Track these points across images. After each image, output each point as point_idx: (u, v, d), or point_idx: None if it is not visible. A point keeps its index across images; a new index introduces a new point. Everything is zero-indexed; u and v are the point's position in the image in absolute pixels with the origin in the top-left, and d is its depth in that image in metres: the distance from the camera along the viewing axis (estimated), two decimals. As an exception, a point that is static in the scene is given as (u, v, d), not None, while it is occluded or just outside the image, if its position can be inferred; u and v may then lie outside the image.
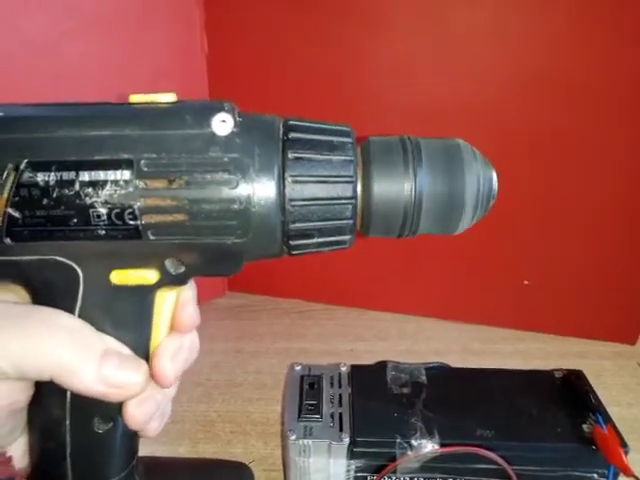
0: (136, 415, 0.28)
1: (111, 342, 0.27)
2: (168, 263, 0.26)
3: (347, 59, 0.57)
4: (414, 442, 0.36)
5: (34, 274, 0.26)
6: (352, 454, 0.37)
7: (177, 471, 0.39)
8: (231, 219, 0.24)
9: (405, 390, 0.40)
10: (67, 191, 0.24)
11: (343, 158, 0.25)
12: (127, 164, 0.24)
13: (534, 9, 0.51)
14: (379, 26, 0.55)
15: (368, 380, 0.42)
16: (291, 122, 0.26)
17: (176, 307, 0.29)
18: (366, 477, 0.37)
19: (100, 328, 0.27)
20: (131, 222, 0.24)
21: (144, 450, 0.45)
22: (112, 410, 0.28)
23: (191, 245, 0.25)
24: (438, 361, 0.43)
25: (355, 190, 0.25)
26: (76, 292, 0.26)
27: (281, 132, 0.25)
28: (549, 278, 0.59)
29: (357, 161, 0.26)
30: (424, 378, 0.41)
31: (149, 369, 0.28)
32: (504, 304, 0.62)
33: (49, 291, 0.27)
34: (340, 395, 0.40)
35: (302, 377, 0.42)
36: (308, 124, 0.26)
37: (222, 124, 0.24)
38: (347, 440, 0.37)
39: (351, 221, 0.26)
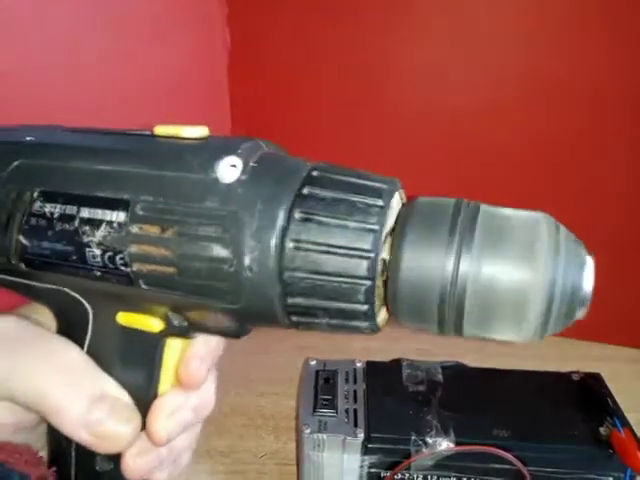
0: (132, 467, 0.26)
1: (110, 387, 0.25)
2: (170, 314, 0.24)
3: (374, 57, 0.57)
4: (429, 440, 0.36)
5: (51, 301, 0.26)
6: (366, 450, 0.37)
7: None
8: (220, 281, 0.21)
9: (421, 388, 0.40)
10: (68, 226, 0.23)
11: (362, 226, 0.20)
12: (124, 205, 0.22)
13: (560, 16, 0.51)
14: (407, 29, 0.55)
15: (383, 377, 0.41)
16: (315, 172, 0.21)
17: (182, 360, 0.26)
18: (380, 473, 0.37)
19: (107, 368, 0.25)
20: (122, 268, 0.22)
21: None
22: (112, 454, 0.26)
23: (184, 302, 0.23)
24: (454, 360, 0.43)
25: (372, 268, 0.20)
26: (86, 327, 0.25)
27: (299, 184, 0.21)
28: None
29: (385, 230, 0.21)
30: (440, 376, 0.41)
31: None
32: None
33: (64, 320, 0.26)
34: (355, 391, 0.40)
35: (317, 372, 0.42)
36: (335, 176, 0.21)
37: (230, 170, 0.21)
38: (362, 436, 0.37)
39: (365, 306, 0.20)
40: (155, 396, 0.26)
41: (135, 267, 0.22)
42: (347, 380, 0.41)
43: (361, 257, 0.20)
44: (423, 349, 0.54)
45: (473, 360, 0.44)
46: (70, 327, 0.26)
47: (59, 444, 0.27)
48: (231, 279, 0.21)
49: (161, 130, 0.24)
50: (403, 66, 0.56)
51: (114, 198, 0.22)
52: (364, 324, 0.21)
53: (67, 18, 0.49)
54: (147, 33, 0.55)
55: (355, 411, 0.38)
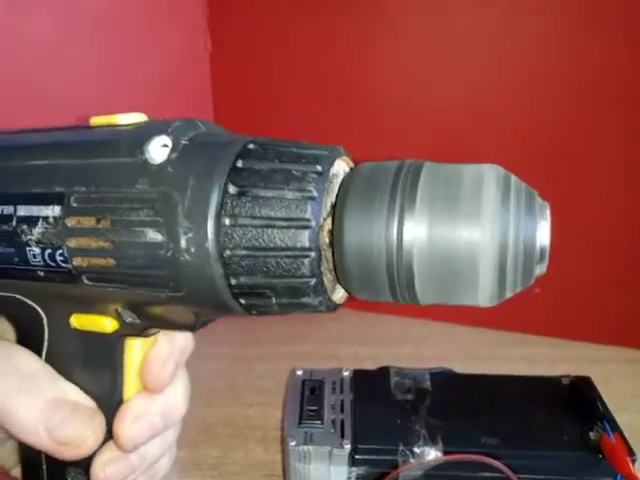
0: (102, 476, 0.25)
1: (70, 392, 0.24)
2: (121, 311, 0.23)
3: (353, 59, 0.56)
4: (417, 450, 0.36)
5: (5, 310, 0.25)
6: (353, 461, 0.36)
7: None
8: (160, 268, 0.20)
9: (409, 396, 0.40)
10: (6, 227, 0.22)
11: (300, 194, 0.19)
12: (58, 199, 0.21)
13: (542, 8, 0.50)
14: (387, 26, 0.54)
15: (371, 386, 0.41)
16: (252, 145, 0.20)
17: (144, 363, 0.25)
18: (368, 485, 0.37)
19: (67, 374, 0.25)
20: (63, 265, 0.22)
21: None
22: (83, 465, 0.25)
23: (129, 296, 0.22)
24: (442, 366, 0.43)
25: (313, 239, 0.19)
26: (42, 333, 0.25)
27: (234, 157, 0.20)
28: (558, 282, 0.58)
29: (329, 199, 0.20)
30: (428, 384, 0.41)
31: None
32: (511, 307, 0.61)
33: (20, 328, 0.26)
34: (342, 401, 0.40)
35: (303, 382, 0.41)
36: (273, 147, 0.20)
37: (160, 150, 0.20)
38: (348, 447, 0.36)
39: (311, 280, 0.19)
40: (121, 400, 0.25)
41: (75, 262, 0.21)
42: (334, 390, 0.40)
43: (302, 227, 0.19)
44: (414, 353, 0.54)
45: (463, 360, 0.43)
46: (27, 335, 0.25)
47: (29, 459, 0.26)
48: (170, 265, 0.20)
49: (97, 120, 0.23)
50: (384, 64, 0.56)
51: (48, 192, 0.22)
52: (316, 300, 0.20)
53: (49, 23, 0.49)
54: (128, 39, 0.54)
55: (342, 421, 0.38)
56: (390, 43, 0.55)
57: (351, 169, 0.21)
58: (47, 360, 0.25)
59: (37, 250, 0.22)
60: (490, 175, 0.18)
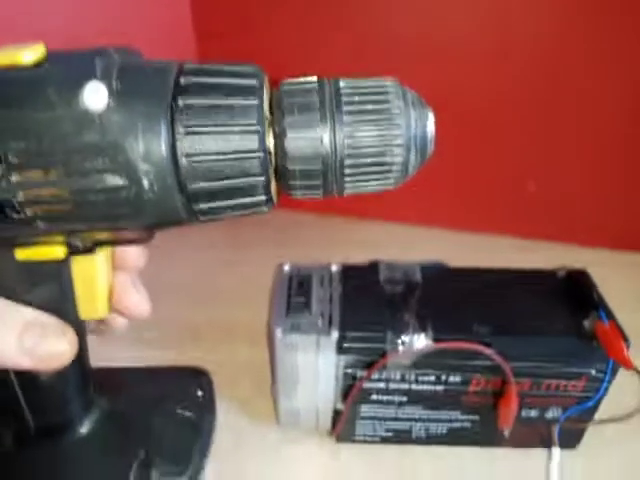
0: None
1: (32, 314, 0.26)
2: (74, 240, 0.25)
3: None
4: (406, 338, 0.35)
5: None
6: (341, 349, 0.35)
7: (134, 381, 0.39)
8: (123, 206, 0.22)
9: (398, 288, 0.38)
10: None
11: (245, 103, 0.22)
12: None
13: None
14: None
15: (360, 279, 0.39)
16: (186, 66, 0.22)
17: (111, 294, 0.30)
18: (356, 373, 0.36)
19: (22, 302, 0.26)
20: (15, 215, 0.22)
21: (133, 355, 0.44)
22: None
23: (88, 230, 0.24)
24: (434, 260, 0.41)
25: (262, 141, 0.22)
26: None
27: (172, 83, 0.22)
28: (555, 184, 0.56)
29: (265, 108, 0.22)
30: (419, 276, 0.39)
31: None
32: (507, 211, 0.59)
33: None
34: (331, 294, 0.38)
35: (291, 276, 0.40)
36: (205, 66, 0.22)
37: (95, 96, 0.20)
38: (336, 335, 0.35)
39: (261, 178, 0.22)
40: (76, 308, 0.28)
41: (29, 212, 0.22)
42: (322, 283, 0.39)
43: (250, 132, 0.22)
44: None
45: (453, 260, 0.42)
46: None
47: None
48: (133, 202, 0.22)
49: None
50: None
51: None
52: (262, 197, 0.23)
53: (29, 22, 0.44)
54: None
55: (330, 312, 0.37)
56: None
57: (280, 83, 0.24)
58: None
59: None
60: (392, 87, 0.23)
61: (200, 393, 0.39)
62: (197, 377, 0.41)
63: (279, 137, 0.22)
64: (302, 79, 0.23)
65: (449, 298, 0.38)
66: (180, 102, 0.21)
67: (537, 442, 0.39)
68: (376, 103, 0.23)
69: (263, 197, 0.23)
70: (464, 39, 0.51)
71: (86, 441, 0.33)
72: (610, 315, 0.35)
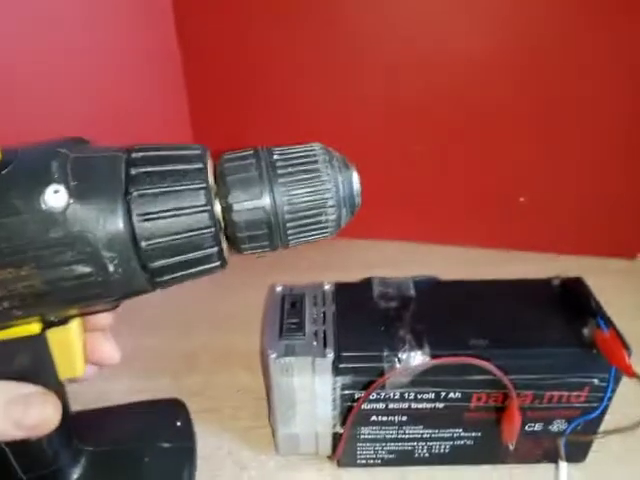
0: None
1: (13, 388, 0.27)
2: (48, 317, 0.26)
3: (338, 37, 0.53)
4: (402, 355, 0.34)
5: None
6: (337, 370, 0.34)
7: (112, 420, 0.39)
8: (92, 289, 0.24)
9: (393, 304, 0.38)
10: None
11: (193, 186, 0.24)
12: None
13: None
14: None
15: (353, 297, 0.39)
16: (133, 155, 0.24)
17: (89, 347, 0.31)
18: (353, 395, 0.35)
19: (1, 375, 0.27)
20: None
21: (125, 386, 0.43)
22: None
23: (61, 310, 0.26)
24: (427, 274, 0.41)
25: (212, 217, 0.24)
26: None
27: (123, 174, 0.24)
28: (545, 194, 0.56)
29: (210, 182, 0.25)
30: (412, 291, 0.39)
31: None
32: (498, 223, 0.59)
33: None
34: (324, 313, 0.38)
35: (283, 296, 0.39)
36: (151, 153, 0.25)
37: (55, 197, 0.22)
38: (331, 356, 0.34)
39: (215, 249, 0.25)
40: (55, 371, 0.29)
41: (5, 305, 0.23)
42: (315, 303, 0.39)
43: (200, 212, 0.24)
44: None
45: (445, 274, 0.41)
46: None
47: None
48: (102, 285, 0.24)
49: None
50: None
51: None
52: (217, 263, 0.26)
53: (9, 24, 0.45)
54: (95, 49, 0.51)
55: (324, 332, 0.36)
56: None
57: (221, 158, 0.26)
58: None
59: None
60: (319, 150, 0.26)
61: (179, 423, 0.39)
62: (174, 408, 0.41)
63: (226, 211, 0.25)
64: (239, 153, 0.26)
65: (444, 312, 0.37)
66: (134, 193, 0.23)
67: (543, 457, 0.38)
68: (308, 172, 0.26)
69: (218, 262, 0.26)
70: (458, 51, 0.51)
71: None
72: (609, 322, 0.35)
